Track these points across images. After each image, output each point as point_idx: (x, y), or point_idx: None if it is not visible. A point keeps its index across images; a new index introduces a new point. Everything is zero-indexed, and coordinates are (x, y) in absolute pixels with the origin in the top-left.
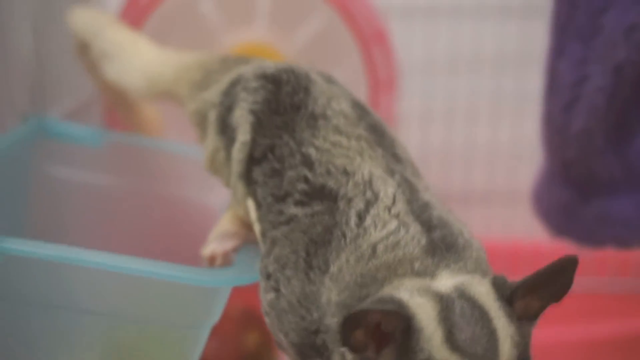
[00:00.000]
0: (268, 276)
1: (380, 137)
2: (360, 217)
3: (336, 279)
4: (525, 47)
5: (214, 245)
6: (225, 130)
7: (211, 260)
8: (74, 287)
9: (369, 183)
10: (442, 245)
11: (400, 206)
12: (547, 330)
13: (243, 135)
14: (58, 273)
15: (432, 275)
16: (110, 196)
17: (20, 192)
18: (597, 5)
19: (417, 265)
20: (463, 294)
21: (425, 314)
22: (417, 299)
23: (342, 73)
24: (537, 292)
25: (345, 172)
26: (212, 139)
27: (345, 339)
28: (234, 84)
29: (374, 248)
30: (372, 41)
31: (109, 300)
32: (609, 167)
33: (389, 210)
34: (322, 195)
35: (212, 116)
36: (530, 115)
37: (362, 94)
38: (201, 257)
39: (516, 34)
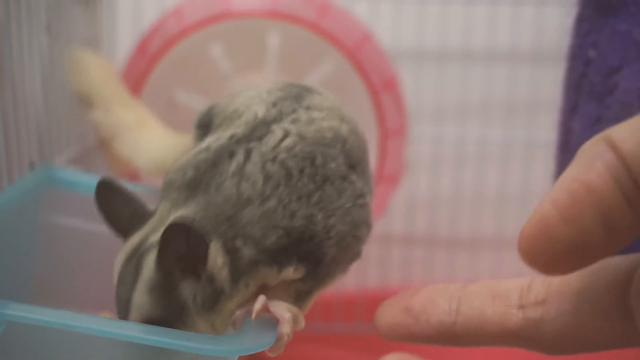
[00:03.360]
0: None
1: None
2: None
3: None
4: (535, 94)
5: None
6: None
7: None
8: (77, 354)
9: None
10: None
11: None
12: None
13: None
14: (61, 339)
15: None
16: (118, 245)
17: (28, 241)
18: (610, 64)
19: (175, 195)
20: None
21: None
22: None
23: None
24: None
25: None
26: None
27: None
28: None
29: None
30: (381, 89)
31: None
32: None
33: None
34: None
35: None
36: (540, 161)
37: (372, 140)
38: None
39: (526, 80)
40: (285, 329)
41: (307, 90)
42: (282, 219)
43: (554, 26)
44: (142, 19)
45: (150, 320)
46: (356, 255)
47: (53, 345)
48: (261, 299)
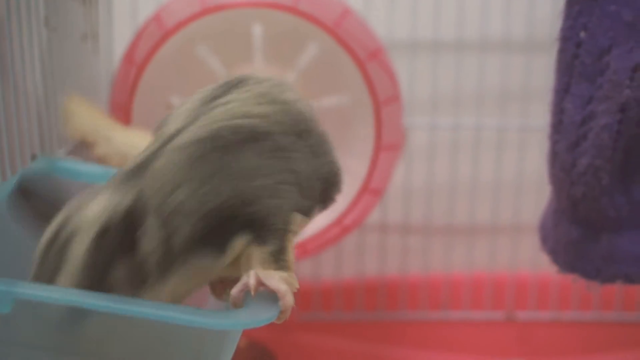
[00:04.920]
0: None
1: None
2: None
3: None
4: (528, 81)
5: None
6: None
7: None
8: (84, 332)
9: None
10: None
11: None
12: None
13: None
14: (68, 317)
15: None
16: None
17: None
18: (601, 45)
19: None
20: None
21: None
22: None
23: (348, 94)
24: None
25: None
26: None
27: None
28: None
29: None
30: (367, 60)
31: (119, 345)
32: (617, 205)
33: None
34: None
35: None
36: (534, 148)
37: (368, 112)
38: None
39: (519, 68)
40: (288, 301)
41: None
42: (209, 198)
43: (546, 14)
44: (139, 12)
45: None
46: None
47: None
48: (252, 274)
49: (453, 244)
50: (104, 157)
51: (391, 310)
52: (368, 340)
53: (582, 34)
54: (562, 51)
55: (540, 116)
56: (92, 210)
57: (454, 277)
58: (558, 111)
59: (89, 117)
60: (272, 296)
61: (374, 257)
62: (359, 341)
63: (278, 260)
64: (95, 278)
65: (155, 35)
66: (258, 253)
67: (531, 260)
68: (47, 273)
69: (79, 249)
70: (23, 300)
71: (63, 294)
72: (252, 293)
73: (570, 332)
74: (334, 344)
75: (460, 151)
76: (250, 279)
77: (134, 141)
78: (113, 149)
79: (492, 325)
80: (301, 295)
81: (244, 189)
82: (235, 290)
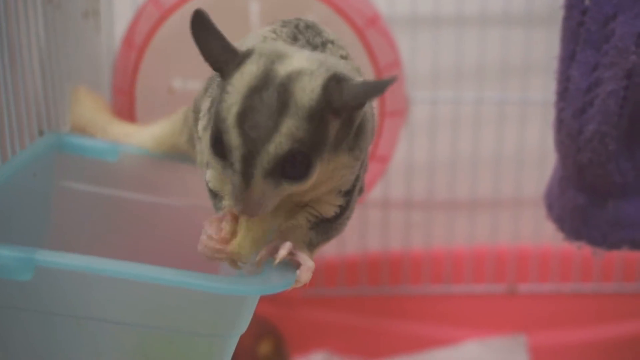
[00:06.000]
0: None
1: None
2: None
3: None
4: (529, 55)
5: (202, 237)
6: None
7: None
8: (102, 298)
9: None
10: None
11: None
12: (560, 332)
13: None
14: (87, 284)
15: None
16: (126, 208)
17: (41, 204)
18: (606, 12)
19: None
20: (284, 84)
21: (241, 81)
22: (251, 65)
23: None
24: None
25: None
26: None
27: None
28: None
29: None
30: (365, 27)
31: (138, 311)
32: (622, 170)
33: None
34: None
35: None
36: (535, 122)
37: (370, 79)
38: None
39: (519, 42)
40: (306, 275)
41: None
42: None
43: None
44: None
45: (297, 144)
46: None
47: (80, 290)
48: (288, 245)
49: (455, 218)
50: None
51: (394, 285)
52: (371, 315)
53: (587, 2)
54: (567, 19)
55: (541, 89)
56: (300, 63)
57: (456, 251)
58: (564, 79)
59: (90, 110)
60: (288, 267)
61: (377, 232)
62: (362, 316)
63: (310, 247)
64: (317, 127)
65: (154, 17)
66: (305, 235)
67: (532, 233)
68: (267, 112)
69: (304, 96)
70: (44, 268)
71: (83, 261)
72: (276, 261)
73: (572, 304)
74: (337, 319)
75: (461, 125)
76: (283, 249)
77: (127, 133)
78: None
79: (493, 298)
80: None
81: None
82: (264, 252)
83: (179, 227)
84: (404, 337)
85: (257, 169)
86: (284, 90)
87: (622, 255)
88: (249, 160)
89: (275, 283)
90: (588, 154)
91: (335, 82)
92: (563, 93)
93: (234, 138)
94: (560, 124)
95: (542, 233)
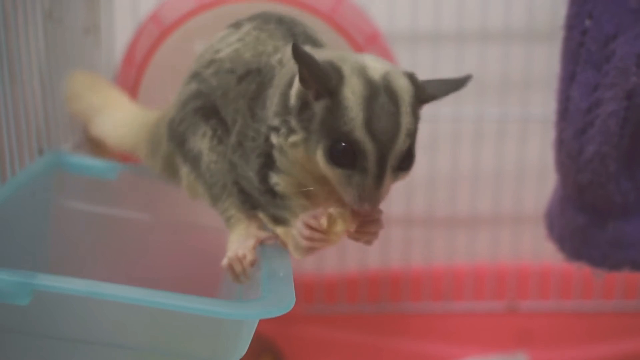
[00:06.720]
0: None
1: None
2: (280, 62)
3: (272, 95)
4: (529, 71)
5: (230, 253)
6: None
7: (230, 268)
8: (100, 322)
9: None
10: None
11: None
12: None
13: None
14: (85, 308)
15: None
16: (125, 226)
17: (40, 224)
18: (606, 33)
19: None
20: (388, 87)
21: (355, 94)
22: (353, 79)
23: None
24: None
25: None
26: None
27: (296, 56)
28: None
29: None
30: (365, 45)
31: (137, 334)
32: (623, 191)
33: None
34: (249, 73)
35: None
36: (535, 137)
37: None
38: (221, 268)
39: (520, 57)
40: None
41: None
42: None
43: (546, 3)
44: (140, 6)
45: (410, 138)
46: None
47: (78, 314)
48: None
49: (455, 235)
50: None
51: (394, 302)
52: (371, 332)
53: (588, 22)
54: (567, 39)
55: (541, 105)
56: (377, 64)
57: (456, 268)
58: (564, 99)
59: (81, 78)
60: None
61: (377, 249)
62: (362, 333)
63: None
64: (416, 118)
65: (154, 34)
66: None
67: (533, 250)
68: (389, 116)
69: (404, 93)
70: (41, 292)
71: (81, 285)
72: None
73: (572, 322)
74: (337, 336)
75: (462, 141)
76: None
77: (98, 102)
78: (79, 107)
79: (494, 316)
80: (305, 288)
81: None
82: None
83: (178, 246)
84: (404, 353)
85: (388, 168)
86: (392, 93)
87: (623, 273)
88: (381, 161)
89: (275, 306)
90: (588, 174)
91: (413, 77)
92: (563, 113)
93: (367, 144)
94: (561, 144)
95: (542, 250)
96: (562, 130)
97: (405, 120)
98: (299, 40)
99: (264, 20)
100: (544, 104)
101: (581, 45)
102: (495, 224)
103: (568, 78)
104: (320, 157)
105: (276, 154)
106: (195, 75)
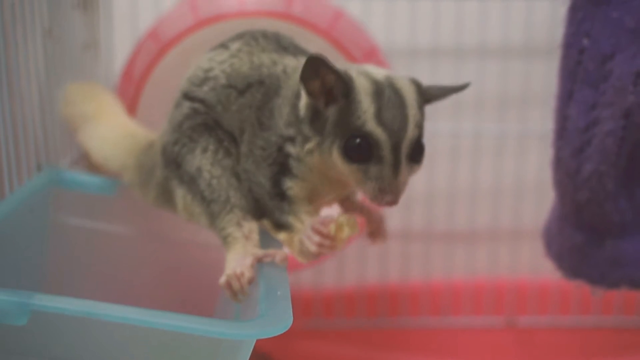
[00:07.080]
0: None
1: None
2: (285, 72)
3: (281, 105)
4: (527, 87)
5: (228, 271)
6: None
7: (228, 286)
8: (98, 341)
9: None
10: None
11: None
12: None
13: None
14: (82, 327)
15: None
16: (124, 243)
17: (39, 240)
18: (604, 51)
19: None
20: (392, 85)
21: (364, 91)
22: (360, 79)
23: None
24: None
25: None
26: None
27: (305, 77)
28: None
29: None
30: (363, 60)
31: (135, 354)
32: (621, 209)
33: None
34: (251, 85)
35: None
36: (533, 153)
37: None
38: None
39: (518, 73)
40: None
41: None
42: None
43: (544, 20)
44: (139, 21)
45: (418, 130)
46: None
47: (75, 334)
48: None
49: (453, 250)
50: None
51: (392, 317)
52: (369, 347)
53: (585, 41)
54: (565, 58)
55: (539, 122)
56: (377, 70)
57: (455, 283)
58: (561, 118)
59: (78, 87)
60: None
61: (375, 264)
62: (360, 348)
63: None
64: (422, 114)
65: (152, 51)
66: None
67: (531, 265)
68: (396, 106)
69: (409, 91)
70: (39, 312)
71: (79, 305)
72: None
73: (570, 337)
74: (335, 351)
75: (460, 157)
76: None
77: (89, 110)
78: (70, 114)
79: (492, 331)
80: (303, 303)
81: None
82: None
83: (176, 263)
84: None
85: (403, 156)
86: (396, 89)
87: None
88: (395, 149)
89: (273, 326)
90: (586, 193)
91: (413, 79)
92: (561, 132)
93: (380, 134)
94: (559, 162)
95: (541, 265)
96: (560, 149)
97: (412, 112)
98: (289, 51)
99: (250, 37)
100: (542, 120)
101: (579, 64)
102: (493, 240)
103: (565, 97)
104: (336, 156)
105: (293, 163)
106: (186, 96)
